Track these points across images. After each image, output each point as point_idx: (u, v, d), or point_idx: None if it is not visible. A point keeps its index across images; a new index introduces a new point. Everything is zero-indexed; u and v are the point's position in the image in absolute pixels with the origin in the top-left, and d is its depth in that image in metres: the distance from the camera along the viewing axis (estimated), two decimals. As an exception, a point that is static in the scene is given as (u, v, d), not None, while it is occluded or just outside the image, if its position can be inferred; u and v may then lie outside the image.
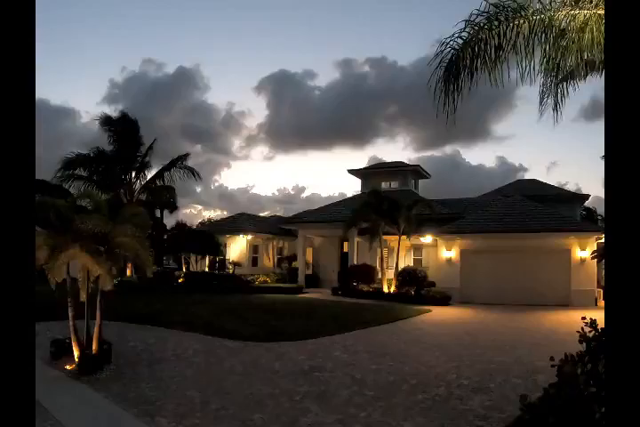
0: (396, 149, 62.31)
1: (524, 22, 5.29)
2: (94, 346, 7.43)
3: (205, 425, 5.16)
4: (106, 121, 21.21)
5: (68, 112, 54.89)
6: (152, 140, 22.17)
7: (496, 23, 5.41)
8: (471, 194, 26.12)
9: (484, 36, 5.45)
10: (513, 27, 5.33)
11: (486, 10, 5.49)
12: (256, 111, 69.50)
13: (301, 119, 50.38)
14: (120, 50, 55.87)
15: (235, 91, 67.36)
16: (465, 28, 5.54)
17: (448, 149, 64.17)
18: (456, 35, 5.55)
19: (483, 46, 5.45)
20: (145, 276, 9.83)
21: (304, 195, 63.98)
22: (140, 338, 9.96)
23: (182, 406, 5.75)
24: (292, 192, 65.96)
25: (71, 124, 50.69)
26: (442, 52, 5.60)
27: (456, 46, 5.60)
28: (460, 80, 5.58)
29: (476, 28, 5.48)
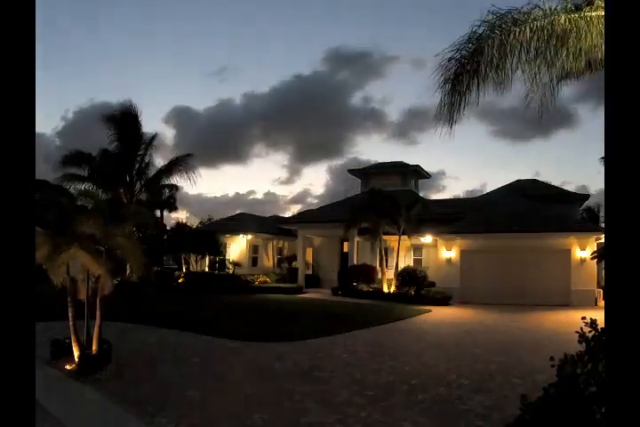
0: (276, 165, 72.33)
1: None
2: (94, 346, 7.42)
3: (205, 425, 5.16)
4: (108, 118, 20.79)
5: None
6: (152, 136, 21.64)
7: (497, 32, 5.47)
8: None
9: (485, 48, 5.52)
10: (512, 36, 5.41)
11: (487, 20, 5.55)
12: (171, 137, 75.04)
13: (197, 143, 55.89)
14: (71, 88, 61.27)
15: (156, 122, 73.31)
16: (468, 41, 5.60)
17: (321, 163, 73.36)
18: (459, 48, 5.63)
19: (482, 58, 5.55)
20: (144, 278, 9.81)
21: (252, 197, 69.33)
22: (140, 338, 9.96)
23: (182, 406, 5.75)
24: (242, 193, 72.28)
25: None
26: (449, 60, 5.65)
27: (460, 58, 5.67)
28: (464, 91, 5.64)
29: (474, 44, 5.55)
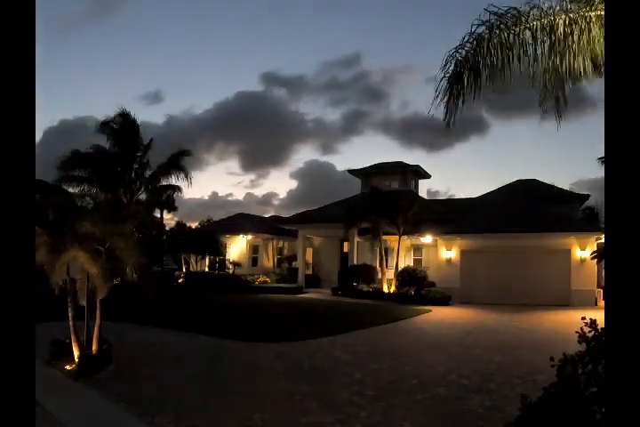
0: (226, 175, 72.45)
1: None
2: (94, 346, 7.43)
3: (205, 425, 5.16)
4: (105, 123, 20.99)
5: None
6: (150, 140, 21.98)
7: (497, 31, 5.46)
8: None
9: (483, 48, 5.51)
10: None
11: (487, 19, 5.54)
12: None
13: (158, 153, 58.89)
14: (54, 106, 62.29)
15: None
16: (467, 40, 5.59)
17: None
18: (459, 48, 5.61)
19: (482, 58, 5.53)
20: (143, 278, 9.80)
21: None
22: (140, 338, 9.96)
23: (182, 406, 5.75)
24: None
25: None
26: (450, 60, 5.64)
27: (459, 57, 5.67)
28: (464, 88, 5.64)
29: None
